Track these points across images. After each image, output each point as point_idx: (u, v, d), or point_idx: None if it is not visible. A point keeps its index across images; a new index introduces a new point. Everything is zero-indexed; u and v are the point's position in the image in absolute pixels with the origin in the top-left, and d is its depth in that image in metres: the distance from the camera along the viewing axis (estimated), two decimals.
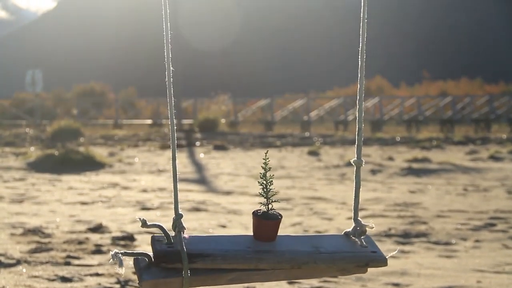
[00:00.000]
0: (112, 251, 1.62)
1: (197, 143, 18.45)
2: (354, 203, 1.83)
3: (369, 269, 4.52)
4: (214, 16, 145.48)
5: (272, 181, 1.73)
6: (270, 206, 1.73)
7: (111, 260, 1.61)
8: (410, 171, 10.63)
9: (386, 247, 5.01)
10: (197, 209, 6.77)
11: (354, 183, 1.84)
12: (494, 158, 13.26)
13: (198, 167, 12.03)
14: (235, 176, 10.35)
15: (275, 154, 15.08)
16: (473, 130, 28.27)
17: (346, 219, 6.21)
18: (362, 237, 1.80)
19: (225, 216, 6.39)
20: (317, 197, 7.84)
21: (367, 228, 1.80)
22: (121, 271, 1.60)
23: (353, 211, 1.83)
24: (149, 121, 31.54)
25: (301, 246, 1.72)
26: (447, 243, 5.21)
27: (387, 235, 5.48)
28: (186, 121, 29.46)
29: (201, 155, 14.69)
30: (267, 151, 1.82)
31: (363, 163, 1.84)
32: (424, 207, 6.97)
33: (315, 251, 1.72)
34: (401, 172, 10.63)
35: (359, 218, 1.82)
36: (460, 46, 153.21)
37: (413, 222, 6.04)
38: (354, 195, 1.83)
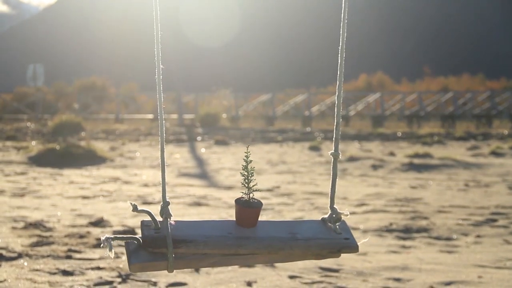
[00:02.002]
0: (103, 236, 1.70)
1: (198, 138, 18.46)
2: (331, 191, 1.93)
3: (370, 264, 4.51)
4: (216, 12, 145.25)
5: (253, 172, 1.86)
6: (251, 195, 1.86)
7: (102, 245, 1.69)
8: (411, 167, 10.63)
9: (387, 242, 5.02)
10: (198, 204, 6.77)
11: (331, 174, 1.94)
12: (495, 153, 13.26)
13: (199, 162, 12.04)
14: (236, 171, 10.35)
15: (276, 149, 15.08)
16: (474, 126, 28.27)
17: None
18: (337, 224, 1.90)
19: (226, 211, 6.40)
20: (318, 192, 7.84)
21: (342, 216, 1.91)
22: (111, 255, 1.68)
23: (329, 199, 1.93)
24: (150, 116, 31.53)
25: (279, 232, 1.83)
26: (448, 238, 5.21)
27: (388, 230, 5.48)
28: (187, 116, 29.47)
29: (202, 150, 14.69)
30: (248, 145, 1.95)
31: (340, 155, 1.94)
32: (425, 203, 6.97)
33: (291, 237, 1.82)
34: (402, 167, 10.62)
35: (335, 206, 1.92)
36: (461, 42, 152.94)
37: (414, 217, 6.04)
38: (330, 184, 1.94)
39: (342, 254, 1.88)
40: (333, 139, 1.94)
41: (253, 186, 1.86)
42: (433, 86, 47.65)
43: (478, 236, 5.27)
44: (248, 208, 1.82)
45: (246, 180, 1.85)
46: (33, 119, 28.75)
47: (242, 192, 1.86)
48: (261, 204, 1.84)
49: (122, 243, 1.75)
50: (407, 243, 5.03)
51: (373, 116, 30.82)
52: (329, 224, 1.90)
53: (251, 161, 1.86)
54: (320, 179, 9.28)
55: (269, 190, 7.93)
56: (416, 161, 11.15)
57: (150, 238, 1.70)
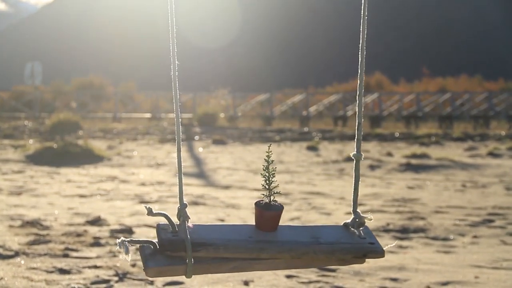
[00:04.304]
0: (119, 239, 1.65)
1: (196, 137, 18.45)
2: (354, 195, 1.86)
3: (367, 264, 4.51)
4: (214, 12, 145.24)
5: (274, 173, 1.77)
6: (272, 197, 1.77)
7: (118, 247, 1.63)
8: (408, 167, 10.64)
9: (384, 242, 5.02)
10: (195, 203, 6.77)
11: (354, 176, 1.86)
12: (492, 154, 13.27)
13: (197, 161, 12.03)
14: (234, 170, 10.36)
15: (274, 149, 15.09)
16: (472, 127, 28.28)
17: (345, 214, 6.22)
18: (361, 228, 1.84)
19: (223, 210, 6.40)
20: (315, 192, 7.85)
21: (365, 220, 1.84)
22: (128, 258, 1.63)
23: (352, 203, 1.86)
24: (148, 115, 31.50)
25: (301, 236, 1.76)
26: (445, 239, 5.22)
27: (385, 230, 5.48)
28: (185, 115, 29.44)
29: (200, 149, 14.68)
30: (270, 144, 1.85)
31: (362, 157, 1.87)
32: (422, 203, 6.97)
33: (314, 241, 1.75)
34: (400, 167, 10.63)
35: (358, 210, 1.85)
36: (459, 43, 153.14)
37: (412, 217, 6.05)
38: (353, 187, 1.86)
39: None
40: (355, 139, 1.86)
41: (274, 187, 1.77)
42: (431, 86, 47.64)
43: (475, 237, 5.28)
44: (269, 211, 1.74)
45: (267, 182, 1.77)
46: (31, 117, 28.72)
47: (263, 194, 1.77)
48: (282, 207, 1.77)
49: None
50: (404, 243, 5.03)
51: (371, 116, 30.82)
52: (352, 229, 1.84)
53: (272, 161, 1.77)
54: (317, 179, 9.28)
55: None
56: (414, 161, 11.16)
57: (167, 241, 1.63)
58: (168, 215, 1.68)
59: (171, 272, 1.64)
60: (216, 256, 1.67)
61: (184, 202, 1.71)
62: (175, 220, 1.70)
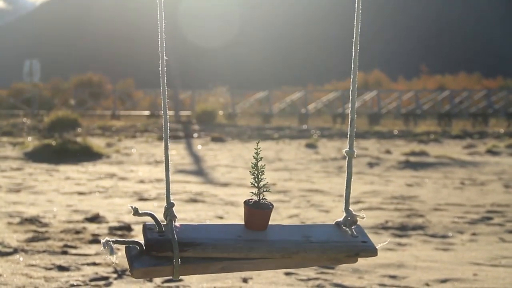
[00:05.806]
0: (103, 239, 1.61)
1: (195, 135, 18.45)
2: (346, 193, 1.85)
3: (366, 261, 4.51)
4: (214, 10, 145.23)
5: (263, 171, 1.73)
6: (261, 196, 1.73)
7: (102, 248, 1.60)
8: (407, 165, 10.64)
9: (383, 240, 5.02)
10: (194, 200, 6.77)
11: (346, 174, 1.84)
12: (491, 152, 13.28)
13: (196, 158, 12.04)
14: (233, 168, 10.36)
15: (272, 146, 15.08)
16: (470, 124, 28.29)
17: (343, 211, 6.22)
18: (353, 227, 1.80)
19: (222, 207, 6.40)
20: (314, 189, 7.85)
21: (358, 219, 1.80)
22: (112, 259, 1.59)
23: (344, 201, 1.84)
24: (146, 112, 31.49)
25: (292, 235, 1.72)
26: (444, 236, 5.22)
27: (384, 227, 5.49)
28: (184, 113, 29.43)
29: (198, 146, 14.68)
30: (259, 141, 1.81)
31: (355, 153, 1.83)
32: (421, 200, 6.98)
33: (305, 240, 1.72)
34: (399, 165, 10.64)
35: (350, 208, 1.82)
36: (458, 41, 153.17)
37: (410, 215, 6.05)
38: (345, 185, 1.84)
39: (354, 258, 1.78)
40: (348, 136, 1.82)
41: (263, 185, 1.73)
42: (429, 84, 47.64)
43: (474, 234, 5.29)
44: (258, 210, 1.70)
45: (256, 179, 1.73)
46: (29, 115, 28.69)
47: (252, 193, 1.74)
48: (272, 205, 1.73)
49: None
50: (403, 240, 5.04)
51: (369, 114, 30.81)
52: (344, 227, 1.80)
53: (261, 158, 1.72)
54: (316, 177, 9.28)
55: None
56: (412, 159, 11.16)
57: (154, 241, 1.59)
58: (155, 215, 1.64)
59: (158, 273, 1.60)
60: (204, 256, 1.63)
61: (171, 201, 1.67)
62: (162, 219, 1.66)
